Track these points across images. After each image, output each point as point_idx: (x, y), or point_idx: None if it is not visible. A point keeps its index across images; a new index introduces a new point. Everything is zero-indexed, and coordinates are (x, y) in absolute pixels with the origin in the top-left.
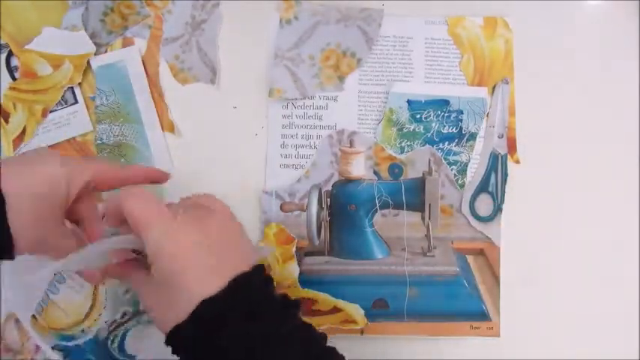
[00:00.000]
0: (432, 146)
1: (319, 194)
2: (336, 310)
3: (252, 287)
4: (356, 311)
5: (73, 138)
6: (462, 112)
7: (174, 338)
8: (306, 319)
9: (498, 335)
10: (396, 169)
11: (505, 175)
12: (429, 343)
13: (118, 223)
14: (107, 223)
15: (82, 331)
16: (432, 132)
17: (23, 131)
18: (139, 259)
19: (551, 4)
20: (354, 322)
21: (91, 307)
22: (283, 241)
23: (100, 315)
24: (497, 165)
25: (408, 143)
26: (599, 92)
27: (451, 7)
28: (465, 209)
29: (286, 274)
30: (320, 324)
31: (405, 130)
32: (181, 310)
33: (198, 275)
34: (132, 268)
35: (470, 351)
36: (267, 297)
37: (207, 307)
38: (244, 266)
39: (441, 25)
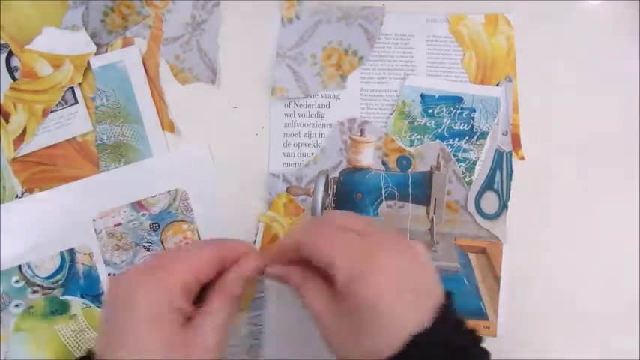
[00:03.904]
0: (442, 142)
1: (326, 180)
2: None
3: (451, 319)
4: None
5: (74, 138)
6: (474, 110)
7: None
8: None
9: (495, 335)
10: (404, 162)
11: (510, 173)
12: None
13: (288, 262)
14: (278, 261)
15: None
16: (443, 127)
17: (24, 131)
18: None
19: (551, 3)
20: None
21: None
22: (292, 212)
23: None
24: (502, 162)
25: (419, 137)
26: (601, 90)
27: (452, 4)
28: (471, 207)
29: None
30: None
31: (416, 124)
32: (384, 344)
33: (402, 305)
34: (312, 291)
35: None
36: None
37: (417, 343)
38: (438, 294)
39: (443, 22)
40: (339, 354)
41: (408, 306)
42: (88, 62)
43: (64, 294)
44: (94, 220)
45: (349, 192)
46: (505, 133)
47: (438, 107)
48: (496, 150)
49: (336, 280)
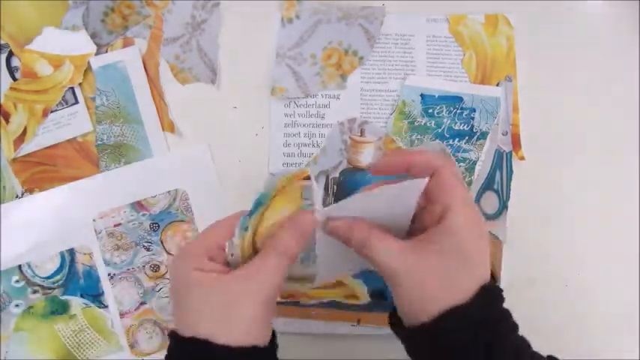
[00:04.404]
0: (443, 142)
1: (326, 180)
2: (339, 284)
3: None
4: (359, 287)
5: (74, 138)
6: (474, 110)
7: (451, 318)
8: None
9: None
10: None
11: (510, 173)
12: None
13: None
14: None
15: None
16: (443, 127)
17: (24, 131)
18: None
19: (551, 3)
20: (357, 297)
21: None
22: None
23: None
24: (502, 162)
25: (419, 137)
26: (601, 90)
27: (452, 4)
28: None
29: None
30: (323, 296)
31: (416, 124)
32: (462, 290)
33: (484, 260)
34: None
35: None
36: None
37: (489, 290)
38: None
39: (443, 22)
40: (416, 306)
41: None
42: (88, 62)
43: (64, 294)
44: (94, 220)
45: (349, 192)
46: (505, 133)
47: (438, 107)
48: (496, 150)
49: (444, 218)
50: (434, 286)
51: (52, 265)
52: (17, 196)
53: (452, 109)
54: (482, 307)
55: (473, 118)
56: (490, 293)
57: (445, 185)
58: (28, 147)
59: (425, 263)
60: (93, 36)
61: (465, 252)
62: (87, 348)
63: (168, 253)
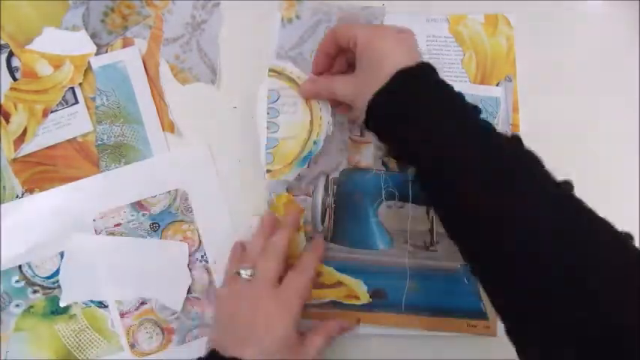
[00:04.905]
0: None
1: (326, 180)
2: (339, 284)
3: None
4: (359, 287)
5: (74, 138)
6: None
7: (373, 106)
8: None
9: (495, 335)
10: None
11: None
12: (423, 339)
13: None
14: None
15: (314, 142)
16: None
17: (24, 132)
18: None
19: (551, 3)
20: (357, 297)
21: (311, 122)
22: (292, 212)
23: (321, 119)
24: None
25: None
26: (601, 90)
27: (452, 4)
28: None
29: (293, 243)
30: (323, 296)
31: None
32: (384, 75)
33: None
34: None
35: (465, 350)
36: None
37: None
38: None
39: (443, 22)
40: (357, 103)
41: (403, 54)
42: (88, 62)
43: None
44: (94, 220)
45: (349, 192)
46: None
47: None
48: None
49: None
50: (364, 86)
51: (52, 265)
52: (17, 196)
53: None
54: (398, 83)
55: None
56: (406, 72)
57: (354, 40)
58: (28, 147)
59: (359, 80)
60: (93, 36)
61: (373, 56)
62: (87, 348)
63: None
